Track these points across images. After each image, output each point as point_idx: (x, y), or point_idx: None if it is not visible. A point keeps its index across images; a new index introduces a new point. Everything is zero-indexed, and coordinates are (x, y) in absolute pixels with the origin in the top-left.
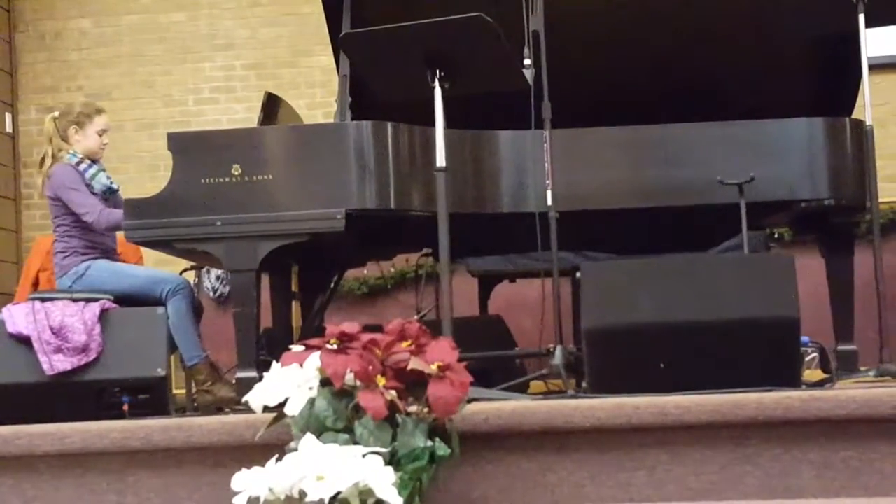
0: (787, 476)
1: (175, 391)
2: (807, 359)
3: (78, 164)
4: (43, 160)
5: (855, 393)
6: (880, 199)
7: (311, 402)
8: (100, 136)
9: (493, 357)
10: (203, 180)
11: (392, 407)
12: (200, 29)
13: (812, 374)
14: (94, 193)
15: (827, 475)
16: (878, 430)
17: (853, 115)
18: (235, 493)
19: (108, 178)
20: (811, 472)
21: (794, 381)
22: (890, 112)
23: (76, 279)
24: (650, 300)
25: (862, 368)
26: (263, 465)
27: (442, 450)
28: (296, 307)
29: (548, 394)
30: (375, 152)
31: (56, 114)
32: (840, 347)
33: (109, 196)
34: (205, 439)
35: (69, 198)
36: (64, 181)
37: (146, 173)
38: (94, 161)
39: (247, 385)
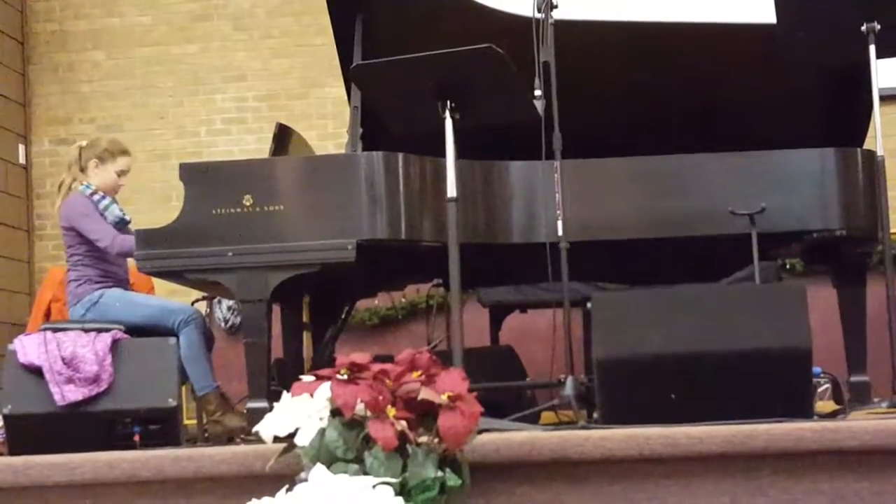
0: None
1: (186, 421)
2: (819, 390)
3: (91, 194)
4: (61, 187)
5: (868, 424)
6: (892, 230)
7: (322, 432)
8: (118, 175)
9: (503, 387)
10: (214, 211)
11: (402, 437)
12: (212, 61)
13: (824, 405)
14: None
15: None
16: (892, 461)
17: (865, 146)
18: None
19: (121, 210)
20: None
21: (806, 412)
22: None
23: (89, 307)
24: (661, 331)
25: (875, 399)
26: (274, 496)
27: (452, 480)
28: (306, 338)
29: (559, 424)
30: (386, 183)
31: (84, 143)
32: (853, 378)
33: (121, 228)
34: (215, 470)
35: (83, 225)
36: (78, 209)
37: (158, 204)
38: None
39: (257, 415)
